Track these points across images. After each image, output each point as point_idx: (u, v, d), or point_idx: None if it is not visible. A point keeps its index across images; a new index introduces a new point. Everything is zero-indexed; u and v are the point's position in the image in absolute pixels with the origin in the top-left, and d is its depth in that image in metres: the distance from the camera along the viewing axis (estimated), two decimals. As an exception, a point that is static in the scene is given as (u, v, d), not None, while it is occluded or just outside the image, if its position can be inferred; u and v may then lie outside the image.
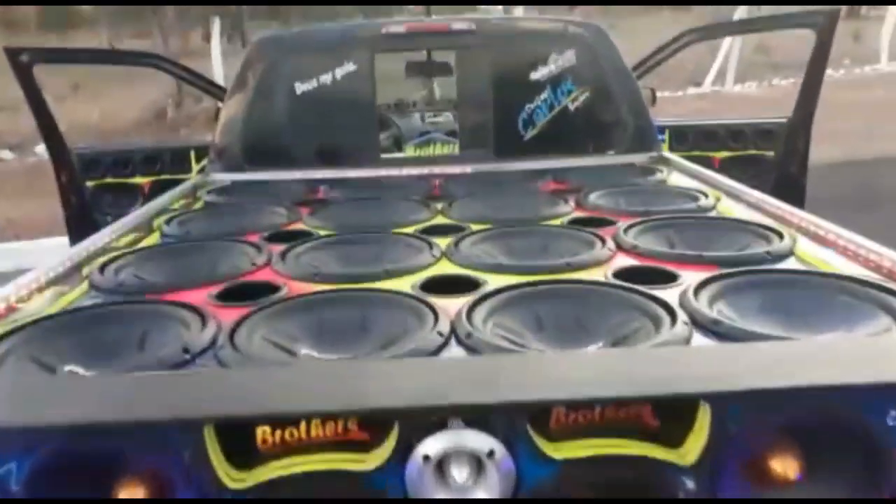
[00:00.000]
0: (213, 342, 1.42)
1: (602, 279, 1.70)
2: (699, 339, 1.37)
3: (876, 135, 9.82)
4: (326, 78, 3.17)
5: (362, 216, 2.45)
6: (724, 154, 4.14)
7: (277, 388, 1.07)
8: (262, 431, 1.09)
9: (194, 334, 1.45)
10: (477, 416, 1.04)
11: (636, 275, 1.71)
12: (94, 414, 1.01)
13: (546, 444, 1.08)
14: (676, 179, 2.83)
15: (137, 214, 2.50)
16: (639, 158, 3.18)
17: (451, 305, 1.55)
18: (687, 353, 1.14)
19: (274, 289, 1.73)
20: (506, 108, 3.19)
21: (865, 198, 6.32)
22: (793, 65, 17.31)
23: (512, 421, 1.05)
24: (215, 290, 1.74)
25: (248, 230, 2.28)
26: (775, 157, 3.98)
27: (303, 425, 1.09)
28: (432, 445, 1.04)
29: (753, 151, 4.08)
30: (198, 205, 2.77)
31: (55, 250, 2.09)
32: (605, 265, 1.82)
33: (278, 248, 2.03)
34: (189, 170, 4.21)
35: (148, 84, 15.05)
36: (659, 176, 2.86)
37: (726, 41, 15.37)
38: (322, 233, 2.24)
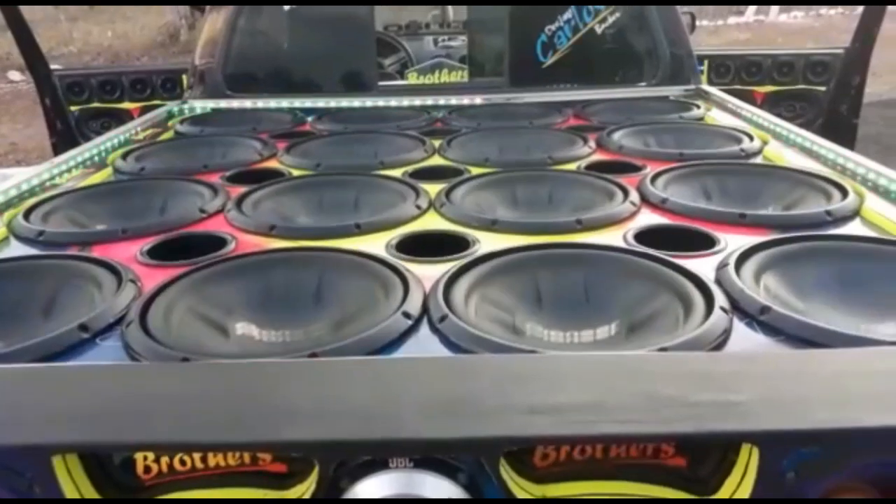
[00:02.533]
0: (124, 316, 1.12)
1: (621, 243, 1.37)
2: (742, 332, 1.05)
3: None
4: (319, -8, 2.78)
5: (345, 154, 2.11)
6: (770, 88, 3.71)
7: (158, 401, 0.77)
8: (143, 458, 0.80)
9: (104, 304, 1.16)
10: (428, 455, 0.74)
11: (664, 237, 1.37)
12: None
13: (528, 490, 0.78)
14: (716, 117, 2.44)
15: (91, 145, 2.19)
16: (674, 91, 2.77)
17: (429, 273, 1.24)
18: (736, 367, 0.81)
19: (220, 243, 1.43)
20: (523, 29, 2.79)
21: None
22: (840, -10, 16.25)
23: (478, 462, 0.75)
24: (149, 243, 1.43)
25: (210, 168, 1.97)
26: (827, 93, 3.55)
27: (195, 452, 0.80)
28: (367, 491, 0.75)
29: (803, 86, 3.65)
30: (166, 135, 2.44)
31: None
32: (625, 223, 1.48)
33: (239, 190, 1.72)
34: (181, 95, 3.89)
35: (161, 9, 14.56)
36: (696, 112, 2.47)
37: (772, -34, 14.36)
38: (296, 173, 1.91)
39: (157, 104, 3.80)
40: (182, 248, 1.42)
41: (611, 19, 2.77)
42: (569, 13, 2.76)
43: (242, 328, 1.19)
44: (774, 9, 14.88)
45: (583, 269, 1.25)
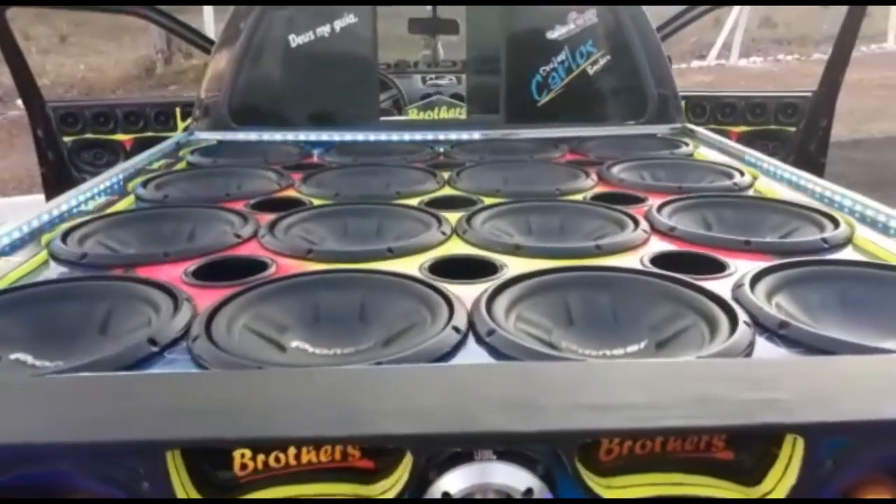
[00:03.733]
0: (187, 331, 1.19)
1: (639, 266, 1.48)
2: (763, 345, 1.16)
3: (881, 115, 9.58)
4: (324, 30, 2.89)
5: (361, 184, 2.20)
6: (743, 128, 3.91)
7: (260, 402, 0.85)
8: (241, 455, 0.87)
9: (164, 320, 1.22)
10: (512, 447, 0.83)
11: (676, 262, 1.49)
12: (14, 431, 0.79)
13: (595, 481, 0.86)
14: (705, 153, 2.59)
15: (110, 174, 2.25)
16: (661, 129, 2.94)
17: (466, 293, 1.33)
18: (773, 371, 0.92)
19: (261, 266, 1.50)
20: (519, 70, 2.93)
21: (872, 176, 6.11)
22: (798, 40, 17.04)
23: (556, 453, 0.83)
24: (192, 265, 1.50)
25: (233, 196, 2.04)
26: (797, 134, 3.76)
27: (290, 449, 0.87)
28: (454, 482, 0.82)
29: (774, 126, 3.86)
30: (179, 165, 2.51)
31: (32, 207, 1.85)
32: (639, 249, 1.60)
33: (267, 218, 1.79)
34: (174, 128, 3.95)
35: (137, 39, 14.61)
36: (685, 149, 2.63)
37: (732, 14, 15.00)
38: (316, 202, 2.00)
39: (149, 136, 3.86)
40: (224, 270, 1.49)
41: (602, 62, 2.94)
42: (562, 55, 2.92)
43: (297, 343, 1.26)
44: (735, 53, 15.51)
45: (610, 290, 1.36)
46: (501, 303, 1.28)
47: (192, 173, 2.37)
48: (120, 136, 3.96)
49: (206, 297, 1.31)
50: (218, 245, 1.62)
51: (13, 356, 1.21)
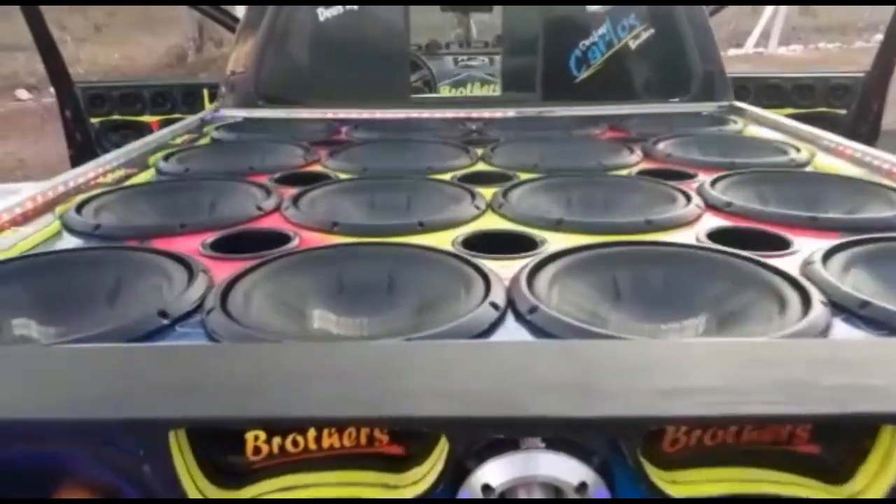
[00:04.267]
0: (201, 304, 1.09)
1: (695, 242, 1.35)
2: (841, 326, 1.02)
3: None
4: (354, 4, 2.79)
5: (390, 159, 2.09)
6: (790, 111, 3.72)
7: (276, 378, 0.74)
8: (254, 438, 0.77)
9: (177, 292, 1.13)
10: (564, 435, 0.71)
11: (735, 238, 1.35)
12: (4, 405, 0.69)
13: (659, 476, 0.74)
14: (756, 131, 2.44)
15: (131, 148, 2.17)
16: (706, 107, 2.78)
17: (503, 268, 1.22)
18: (872, 351, 0.79)
19: (283, 239, 1.40)
20: (557, 44, 2.80)
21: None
22: (839, 28, 16.52)
23: (614, 443, 0.71)
24: (210, 237, 1.41)
25: (256, 170, 1.95)
26: (847, 117, 3.57)
27: (310, 432, 0.76)
28: (496, 473, 0.71)
29: (824, 109, 3.66)
30: (203, 141, 2.43)
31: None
32: (692, 225, 1.47)
33: (291, 191, 1.70)
34: (202, 109, 3.89)
35: (170, 29, 14.70)
36: (734, 126, 2.47)
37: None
38: (343, 177, 1.89)
39: (177, 118, 3.80)
40: (244, 243, 1.39)
41: (645, 35, 2.78)
42: (603, 28, 2.77)
43: (320, 317, 1.16)
44: (773, 41, 15.07)
45: (664, 266, 1.23)
46: (543, 278, 1.17)
47: (215, 148, 2.28)
48: (147, 118, 3.91)
49: (225, 270, 1.22)
50: (238, 217, 1.53)
51: (18, 326, 1.13)
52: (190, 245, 1.37)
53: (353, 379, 0.74)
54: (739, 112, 2.72)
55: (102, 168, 1.95)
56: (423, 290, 1.20)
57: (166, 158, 2.07)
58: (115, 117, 3.93)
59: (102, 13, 16.45)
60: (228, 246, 1.38)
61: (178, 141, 2.40)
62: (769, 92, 3.71)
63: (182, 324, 1.06)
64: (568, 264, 1.22)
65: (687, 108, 2.76)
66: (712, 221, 1.49)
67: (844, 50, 14.72)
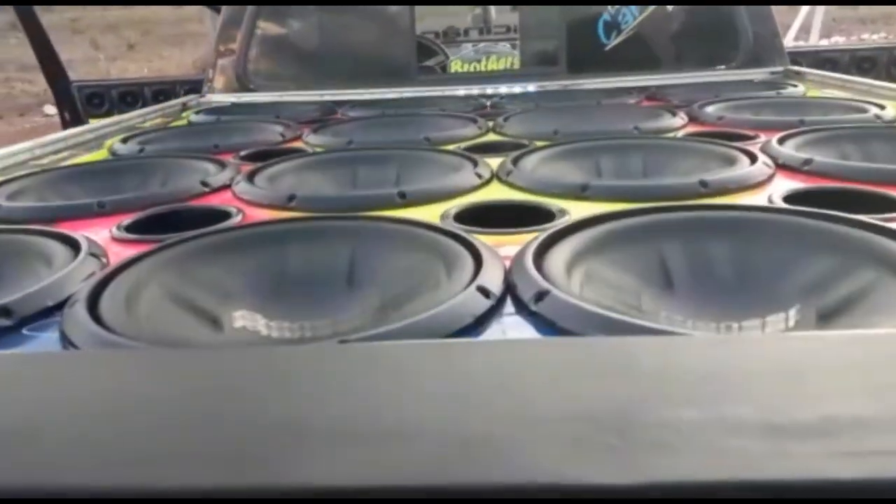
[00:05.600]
0: (69, 297, 0.77)
1: (769, 205, 0.99)
2: None
3: None
4: (352, -28, 2.48)
5: (383, 133, 1.76)
6: None
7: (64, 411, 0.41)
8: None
9: (46, 281, 0.81)
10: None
11: (824, 201, 0.98)
12: None
13: None
14: (823, 93, 2.05)
15: (87, 129, 1.88)
16: (758, 74, 2.39)
17: (506, 245, 0.87)
18: None
19: (220, 217, 1.07)
20: (583, 8, 2.44)
21: None
22: (883, 18, 15.82)
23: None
24: (131, 218, 1.09)
25: (222, 148, 1.63)
26: None
27: None
28: None
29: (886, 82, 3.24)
30: (178, 123, 2.13)
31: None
32: (763, 187, 1.10)
33: (251, 166, 1.37)
34: (207, 105, 3.64)
35: (198, 44, 14.73)
36: (796, 90, 2.08)
37: (810, -7, 13.94)
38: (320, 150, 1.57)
39: None
40: (173, 223, 1.07)
41: (685, -7, 2.41)
42: (636, -12, 2.41)
43: (243, 318, 0.82)
44: (814, 34, 14.46)
45: (732, 236, 0.87)
46: (559, 256, 0.81)
47: (185, 130, 1.98)
48: None
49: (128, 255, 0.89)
50: (174, 195, 1.21)
51: None
52: (104, 228, 1.06)
53: (191, 410, 0.40)
54: (798, 76, 2.33)
55: (43, 149, 1.65)
56: (394, 276, 0.86)
57: (125, 140, 1.77)
58: (115, 117, 3.70)
59: (136, 32, 16.65)
60: (154, 228, 1.06)
61: (149, 124, 2.10)
62: (823, 66, 3.30)
63: (33, 325, 0.74)
64: (594, 238, 0.87)
65: (736, 76, 2.38)
66: (787, 183, 1.12)
67: (889, 40, 14.04)
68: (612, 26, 2.43)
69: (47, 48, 3.42)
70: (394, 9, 2.53)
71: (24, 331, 0.73)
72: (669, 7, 2.41)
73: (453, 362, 0.49)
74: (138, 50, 16.34)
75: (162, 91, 3.64)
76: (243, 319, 0.81)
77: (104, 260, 0.89)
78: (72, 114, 3.57)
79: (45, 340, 0.71)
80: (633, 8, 2.42)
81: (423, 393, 0.45)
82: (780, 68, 2.41)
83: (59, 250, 0.91)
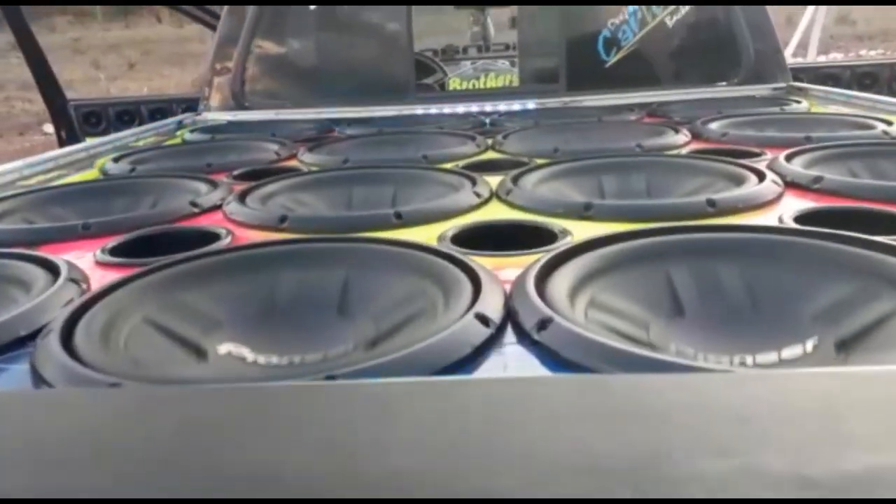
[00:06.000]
0: (41, 327, 0.73)
1: (780, 225, 0.95)
2: None
3: None
4: (348, -11, 2.46)
5: (379, 151, 1.73)
6: None
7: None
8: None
9: (21, 309, 0.76)
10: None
11: (837, 221, 0.94)
12: None
13: None
14: (827, 109, 2.02)
15: (78, 148, 1.85)
16: (760, 91, 2.37)
17: (504, 269, 0.83)
18: None
19: (209, 239, 1.03)
20: (582, 24, 2.42)
21: None
22: (881, 35, 15.89)
23: None
24: (115, 241, 1.05)
25: (215, 167, 1.59)
26: None
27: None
28: None
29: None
30: (172, 141, 2.09)
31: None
32: (772, 206, 1.07)
33: (243, 186, 1.34)
34: (206, 126, 3.62)
35: (198, 63, 14.80)
36: (800, 106, 2.05)
37: (808, 12, 14.01)
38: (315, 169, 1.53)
39: None
40: (160, 246, 1.03)
41: (684, 10, 2.39)
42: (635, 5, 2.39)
43: (228, 349, 0.78)
44: (812, 51, 14.52)
45: (739, 260, 0.83)
46: (562, 280, 0.77)
47: (179, 149, 1.94)
48: None
49: (110, 280, 0.85)
50: (163, 216, 1.17)
51: None
52: (88, 251, 1.02)
53: (157, 458, 0.36)
54: (801, 92, 2.30)
55: (31, 169, 1.61)
56: (388, 303, 0.82)
57: (117, 160, 1.74)
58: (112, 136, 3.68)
59: (136, 52, 16.74)
60: (140, 251, 1.02)
61: (142, 143, 2.07)
62: (825, 82, 3.28)
63: (6, 356, 0.69)
64: (599, 261, 0.82)
65: (737, 92, 2.35)
66: (797, 202, 1.09)
67: (886, 56, 14.09)
68: (612, 43, 2.41)
69: (44, 67, 3.41)
70: (392, 26, 2.51)
71: (-5, 364, 0.68)
72: (669, 23, 2.39)
73: (447, 402, 0.45)
74: (139, 69, 16.42)
75: (159, 109, 3.62)
76: (228, 351, 0.77)
77: (84, 286, 0.85)
78: (68, 133, 3.55)
79: (15, 373, 0.67)
80: (633, 24, 2.39)
81: (412, 438, 0.41)
82: (782, 84, 2.39)
83: (38, 275, 0.87)
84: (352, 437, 0.41)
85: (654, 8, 2.39)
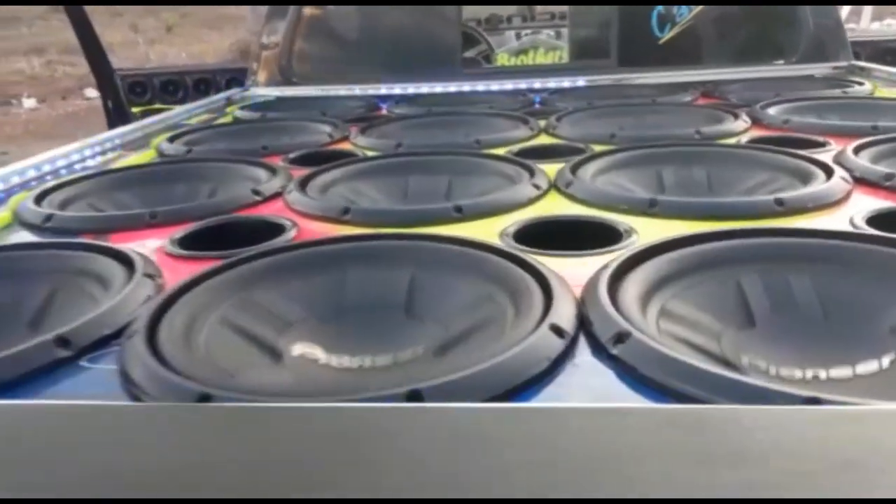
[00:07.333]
0: (128, 325, 0.75)
1: (851, 229, 0.93)
2: None
3: None
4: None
5: (432, 135, 1.72)
6: None
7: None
8: None
9: (103, 308, 0.79)
10: None
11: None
12: None
13: None
14: (893, 92, 1.95)
15: (135, 127, 1.87)
16: (819, 69, 2.29)
17: (572, 271, 0.83)
18: None
19: (274, 231, 1.05)
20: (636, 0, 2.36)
21: None
22: (940, -1, 15.17)
23: None
24: (182, 231, 1.07)
25: (270, 150, 1.61)
26: None
27: None
28: None
29: None
30: (223, 120, 2.11)
31: None
32: (841, 205, 1.04)
33: (302, 172, 1.35)
34: (247, 96, 3.65)
35: (236, 27, 14.81)
36: (862, 88, 1.98)
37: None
38: (371, 154, 1.53)
39: None
40: (225, 236, 1.05)
41: (743, -16, 2.31)
42: (691, -22, 2.32)
43: (301, 350, 0.79)
44: (866, 16, 13.94)
45: (812, 267, 0.82)
46: (633, 287, 0.77)
47: (232, 128, 1.96)
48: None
49: (185, 274, 0.87)
50: (226, 205, 1.19)
51: None
52: (156, 241, 1.04)
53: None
54: (863, 72, 2.22)
55: (92, 150, 1.65)
56: (455, 308, 0.82)
57: (172, 139, 1.76)
58: (157, 106, 3.72)
59: (175, 14, 16.79)
60: (204, 241, 1.04)
61: (194, 121, 2.09)
62: (885, 57, 3.15)
63: (92, 356, 0.72)
64: (668, 267, 0.82)
65: (796, 71, 2.28)
66: (868, 201, 1.06)
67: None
68: (667, 18, 2.35)
69: (92, 39, 3.44)
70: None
71: (82, 362, 0.71)
72: (727, -2, 2.32)
73: (546, 432, 0.46)
74: (177, 33, 16.49)
75: (203, 80, 3.65)
76: (302, 353, 0.79)
77: (159, 280, 0.87)
78: (115, 102, 3.60)
79: (104, 374, 0.69)
80: (689, -1, 2.32)
81: (509, 469, 0.42)
82: (843, 63, 2.31)
83: (112, 269, 0.89)
84: (451, 464, 0.42)
85: (712, -18, 2.32)
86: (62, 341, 0.71)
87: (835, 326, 0.77)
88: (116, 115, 3.57)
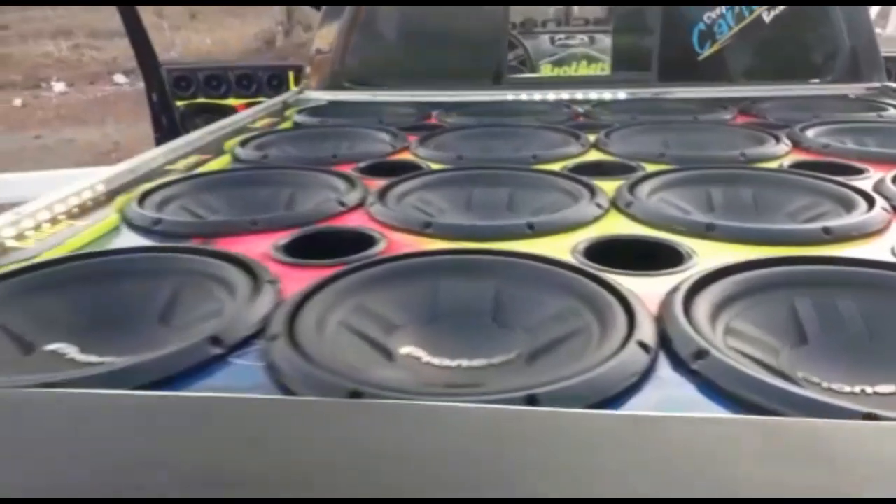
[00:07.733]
0: (264, 327, 0.87)
1: (893, 259, 1.03)
2: None
3: None
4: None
5: (488, 147, 1.84)
6: None
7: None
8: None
9: (237, 310, 0.91)
10: None
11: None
12: None
13: None
14: (926, 116, 2.04)
15: (206, 132, 2.00)
16: (854, 89, 2.38)
17: (645, 289, 0.94)
18: None
19: (367, 242, 1.17)
20: (678, 16, 2.46)
21: None
22: (969, 5, 15.03)
23: None
24: (284, 238, 1.19)
25: (340, 158, 1.73)
26: None
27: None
28: None
29: None
30: (284, 125, 2.23)
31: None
32: (882, 234, 1.15)
33: (377, 183, 1.46)
34: (287, 92, 3.76)
35: (260, 14, 14.95)
36: (894, 112, 2.07)
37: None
38: (434, 166, 1.65)
39: (262, 101, 3.67)
40: (322, 245, 1.17)
41: (781, 6, 2.40)
42: (733, -2, 2.41)
43: (408, 350, 0.91)
44: (892, 22, 13.85)
45: (860, 292, 0.92)
46: (703, 305, 0.88)
47: (297, 133, 2.08)
48: (232, 101, 3.82)
49: (297, 279, 1.00)
50: (317, 214, 1.31)
51: (51, 346, 0.94)
52: (260, 247, 1.16)
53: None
54: (895, 94, 2.31)
55: (174, 153, 1.77)
56: (540, 319, 0.94)
57: (243, 144, 1.89)
58: (200, 100, 3.86)
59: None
60: (304, 249, 1.16)
61: (258, 124, 2.22)
62: None
63: (239, 353, 0.84)
64: (732, 288, 0.93)
65: (830, 90, 2.37)
66: (909, 231, 1.16)
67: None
68: (707, 35, 2.44)
69: (141, 34, 3.55)
70: (489, 8, 2.58)
71: (232, 359, 0.83)
72: (766, 18, 2.41)
73: (653, 437, 0.57)
74: (200, 19, 16.61)
75: (245, 76, 3.80)
76: (408, 352, 0.90)
77: (279, 286, 0.99)
78: (160, 96, 3.72)
79: (249, 370, 0.81)
80: (730, 18, 2.42)
81: (626, 469, 0.52)
82: (877, 84, 2.39)
83: (235, 275, 1.01)
84: (580, 465, 0.53)
85: (752, 4, 2.41)
86: (215, 340, 0.83)
87: (879, 346, 0.88)
88: (161, 109, 3.69)
